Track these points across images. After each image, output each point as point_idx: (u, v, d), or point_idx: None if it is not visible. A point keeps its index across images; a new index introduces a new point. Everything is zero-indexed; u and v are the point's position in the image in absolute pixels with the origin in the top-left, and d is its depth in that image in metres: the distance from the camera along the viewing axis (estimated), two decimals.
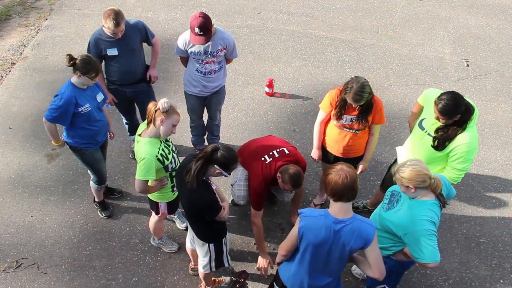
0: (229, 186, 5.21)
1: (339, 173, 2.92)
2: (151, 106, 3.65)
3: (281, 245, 3.27)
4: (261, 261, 4.46)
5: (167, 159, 3.83)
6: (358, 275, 4.54)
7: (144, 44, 4.96)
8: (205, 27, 4.39)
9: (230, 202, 5.01)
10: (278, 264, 3.49)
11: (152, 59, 5.08)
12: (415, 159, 3.26)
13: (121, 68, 4.77)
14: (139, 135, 3.81)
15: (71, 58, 4.01)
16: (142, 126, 3.85)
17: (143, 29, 4.82)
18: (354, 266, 4.52)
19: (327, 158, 4.62)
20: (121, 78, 4.85)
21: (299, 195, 4.74)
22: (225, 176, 3.43)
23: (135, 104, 5.25)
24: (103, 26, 4.51)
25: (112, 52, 4.66)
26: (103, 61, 4.78)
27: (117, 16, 4.39)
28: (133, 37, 4.73)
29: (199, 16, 4.38)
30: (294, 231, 3.11)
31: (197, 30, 4.40)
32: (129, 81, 4.90)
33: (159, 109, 3.59)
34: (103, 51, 4.66)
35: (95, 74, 4.05)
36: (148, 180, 3.80)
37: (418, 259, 3.25)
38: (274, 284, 3.67)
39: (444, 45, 7.43)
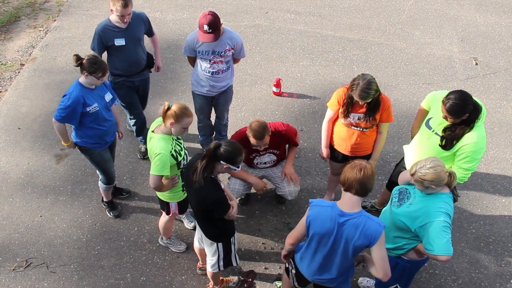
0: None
1: (355, 164, 2.98)
2: (164, 105, 3.69)
3: (289, 234, 3.32)
4: (256, 182, 4.66)
5: (180, 155, 3.87)
6: None
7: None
8: (214, 25, 4.42)
9: (238, 201, 5.02)
10: (285, 257, 3.51)
11: (157, 50, 5.33)
12: (433, 158, 3.25)
13: (128, 58, 4.88)
14: (152, 131, 3.85)
15: (78, 58, 4.05)
16: (156, 122, 3.90)
17: (147, 20, 5.02)
18: (361, 279, 4.50)
19: (335, 156, 4.61)
20: (128, 69, 4.94)
21: (293, 150, 4.79)
22: (234, 170, 3.46)
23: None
24: (111, 10, 4.61)
25: (120, 42, 4.76)
26: (106, 54, 4.88)
27: None
28: (138, 27, 4.88)
29: (208, 14, 4.43)
30: (302, 220, 3.17)
31: (206, 27, 4.42)
32: (136, 70, 5.03)
33: (169, 109, 3.64)
34: (109, 42, 4.75)
35: (101, 74, 4.08)
36: (162, 176, 3.83)
37: (431, 251, 3.25)
38: (288, 265, 3.68)
39: (453, 44, 7.39)
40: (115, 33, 4.73)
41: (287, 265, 3.71)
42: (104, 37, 4.72)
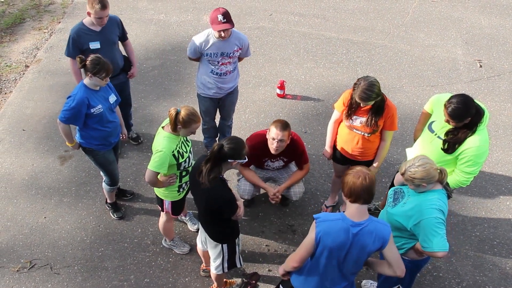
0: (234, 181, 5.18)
1: (358, 174, 2.91)
2: (172, 111, 3.71)
3: (292, 257, 3.19)
4: (270, 190, 4.63)
5: (182, 157, 3.91)
6: None
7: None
8: (227, 16, 4.49)
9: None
10: (283, 276, 3.39)
11: (132, 57, 5.24)
12: (422, 156, 3.26)
13: None
14: (162, 127, 3.91)
15: (81, 60, 4.08)
16: (167, 120, 3.93)
17: (120, 24, 4.99)
18: (364, 282, 4.50)
19: (337, 157, 4.61)
20: None
21: (301, 172, 4.70)
22: (242, 163, 3.49)
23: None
24: (88, 12, 4.58)
25: (95, 45, 4.73)
26: None
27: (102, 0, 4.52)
28: (113, 30, 4.87)
29: (219, 8, 4.51)
30: (309, 238, 3.04)
31: (220, 17, 4.46)
32: (112, 74, 4.98)
33: (178, 114, 3.69)
34: (84, 45, 4.72)
35: (105, 74, 4.10)
36: (158, 173, 3.87)
37: (427, 248, 3.26)
38: (281, 286, 3.64)
39: (457, 46, 7.38)
40: (89, 36, 4.71)
41: None
42: (79, 41, 4.70)
